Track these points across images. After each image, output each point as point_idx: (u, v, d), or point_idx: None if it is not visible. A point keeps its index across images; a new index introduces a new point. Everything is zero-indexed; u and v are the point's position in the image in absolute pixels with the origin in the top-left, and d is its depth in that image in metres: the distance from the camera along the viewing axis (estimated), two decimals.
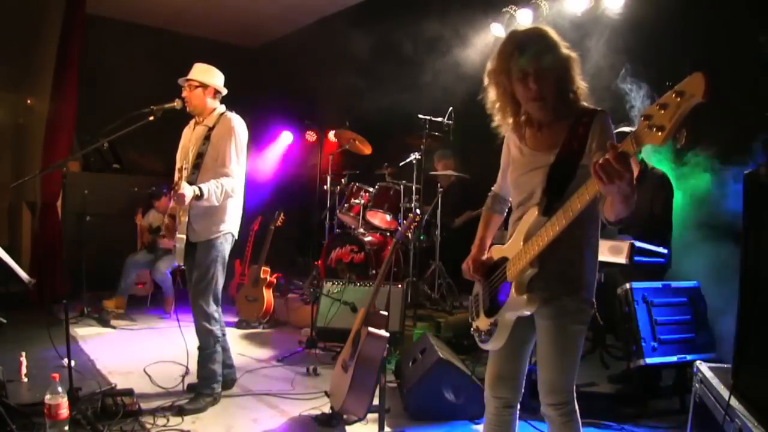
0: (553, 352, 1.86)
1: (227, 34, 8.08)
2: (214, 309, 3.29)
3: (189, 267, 3.32)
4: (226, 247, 3.31)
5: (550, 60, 1.79)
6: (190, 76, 3.33)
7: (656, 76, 4.01)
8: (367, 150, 5.99)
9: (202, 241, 3.26)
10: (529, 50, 1.79)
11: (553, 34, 1.85)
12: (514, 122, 1.95)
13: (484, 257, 2.08)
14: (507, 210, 2.23)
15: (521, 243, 1.83)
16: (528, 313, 1.83)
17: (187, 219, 3.21)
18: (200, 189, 3.03)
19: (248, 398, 3.49)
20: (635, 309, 3.22)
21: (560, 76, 1.82)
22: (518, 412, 2.08)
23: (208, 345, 3.28)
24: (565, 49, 1.84)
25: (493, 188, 2.24)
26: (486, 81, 1.94)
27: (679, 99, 1.29)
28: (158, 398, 3.35)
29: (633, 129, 3.88)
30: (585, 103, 1.87)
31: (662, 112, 1.32)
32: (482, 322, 2.01)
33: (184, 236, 3.21)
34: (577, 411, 1.88)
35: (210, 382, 3.28)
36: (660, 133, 1.33)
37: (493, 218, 2.20)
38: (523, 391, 2.05)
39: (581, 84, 1.87)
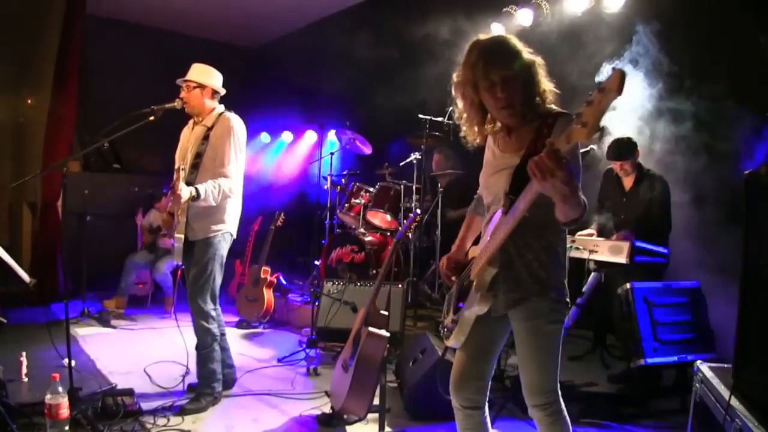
0: (531, 353, 1.86)
1: (227, 34, 8.08)
2: (211, 307, 3.29)
3: (187, 266, 3.32)
4: (224, 246, 3.31)
5: (515, 67, 1.78)
6: (188, 76, 3.34)
7: (655, 75, 4.02)
8: (367, 150, 6.00)
9: (200, 240, 3.26)
10: (493, 59, 1.78)
11: (515, 40, 1.85)
12: (480, 130, 1.96)
13: (460, 256, 2.11)
14: None
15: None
16: (482, 312, 1.84)
17: (185, 218, 3.22)
18: (197, 189, 3.03)
19: (248, 398, 3.49)
20: (636, 309, 3.23)
21: (526, 82, 1.82)
22: (487, 413, 2.07)
23: (206, 344, 3.27)
24: (528, 54, 1.83)
25: (478, 191, 2.25)
26: (453, 92, 1.94)
27: (600, 95, 1.33)
28: (158, 398, 3.34)
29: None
30: (553, 106, 1.86)
31: (588, 108, 1.36)
32: (448, 319, 2.04)
33: (183, 235, 3.22)
34: (564, 410, 1.89)
35: (210, 381, 3.28)
36: (584, 129, 1.37)
37: (475, 220, 2.21)
38: (488, 393, 2.04)
39: (548, 87, 1.86)
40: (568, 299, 1.90)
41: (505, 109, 1.82)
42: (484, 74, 1.79)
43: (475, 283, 1.86)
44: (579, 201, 1.58)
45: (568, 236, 3.85)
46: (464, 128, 1.98)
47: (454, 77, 1.91)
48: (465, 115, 1.94)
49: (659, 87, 3.99)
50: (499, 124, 1.96)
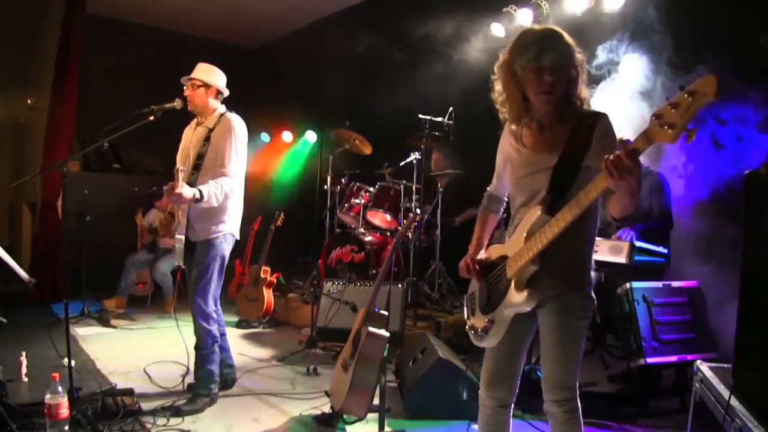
0: (559, 348, 1.87)
1: (227, 34, 8.08)
2: (213, 308, 3.28)
3: (189, 266, 3.32)
4: (225, 247, 3.31)
5: (567, 59, 1.83)
6: (194, 75, 3.33)
7: (655, 76, 4.01)
8: (367, 150, 5.99)
9: (201, 241, 3.25)
10: (549, 45, 1.82)
11: (569, 37, 1.88)
12: (515, 116, 1.97)
13: (482, 256, 2.10)
14: (504, 209, 2.26)
15: (522, 241, 1.85)
16: (527, 309, 1.84)
17: (186, 219, 3.21)
18: (200, 191, 3.02)
19: (248, 398, 3.49)
20: (635, 309, 3.22)
21: (571, 79, 1.86)
22: (512, 411, 2.08)
23: (206, 345, 3.26)
24: (578, 54, 1.87)
25: (488, 188, 2.26)
26: (496, 72, 1.96)
27: (690, 99, 1.36)
28: (158, 398, 3.34)
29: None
30: (586, 108, 1.91)
31: (673, 111, 1.39)
32: (478, 320, 2.03)
33: (183, 236, 3.21)
34: (580, 408, 1.90)
35: (207, 383, 3.27)
36: (671, 131, 1.39)
37: (489, 218, 2.22)
38: (517, 391, 2.06)
39: (585, 90, 1.91)
40: (594, 295, 1.92)
41: (546, 94, 1.84)
42: (536, 57, 1.82)
43: (514, 282, 1.86)
44: (639, 196, 1.63)
45: None
46: (502, 109, 2.00)
47: (502, 57, 1.94)
48: (504, 96, 1.96)
49: (659, 78, 3.99)
50: (526, 119, 1.97)
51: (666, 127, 1.40)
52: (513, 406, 2.08)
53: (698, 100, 1.35)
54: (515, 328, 1.94)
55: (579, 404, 1.90)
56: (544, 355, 1.91)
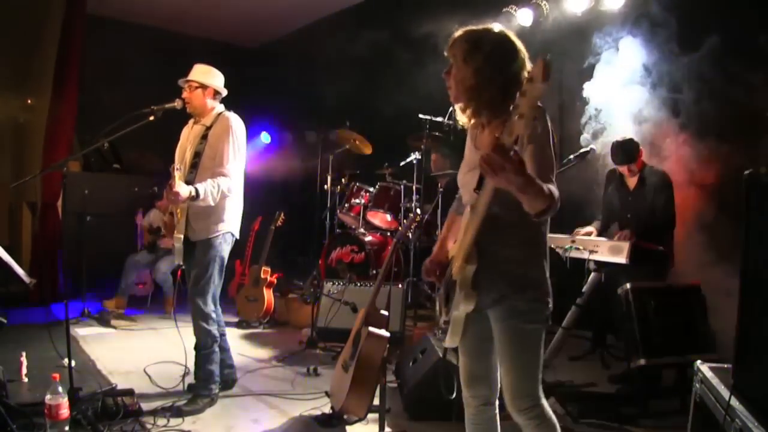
0: (511, 354, 1.82)
1: (227, 34, 8.08)
2: (212, 308, 3.27)
3: (188, 266, 3.32)
4: (225, 247, 3.30)
5: (464, 56, 1.86)
6: (190, 77, 3.33)
7: (655, 76, 4.02)
8: (367, 150, 5.99)
9: (201, 240, 3.25)
10: (452, 46, 1.91)
11: (487, 32, 1.88)
12: (467, 116, 2.00)
13: (443, 257, 2.09)
14: None
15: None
16: (469, 309, 1.83)
17: (185, 218, 3.21)
18: (196, 189, 3.02)
19: (248, 398, 3.49)
20: (635, 309, 3.22)
21: (490, 74, 1.81)
22: (497, 410, 2.05)
23: (206, 345, 3.26)
24: (498, 46, 1.83)
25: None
26: None
27: (531, 85, 1.36)
28: (158, 398, 3.34)
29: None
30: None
31: (522, 99, 1.38)
32: (442, 320, 2.04)
33: (182, 235, 3.21)
34: (549, 413, 1.83)
35: (207, 383, 3.27)
36: (521, 120, 1.39)
37: (456, 219, 2.19)
38: (498, 388, 2.02)
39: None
40: (549, 298, 1.84)
41: (451, 95, 1.89)
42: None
43: (458, 283, 1.85)
44: (540, 191, 1.56)
45: (567, 236, 3.86)
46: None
47: None
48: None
49: (659, 63, 3.98)
50: (474, 120, 1.98)
51: (518, 117, 1.38)
52: (497, 404, 2.03)
53: (533, 87, 1.33)
54: (475, 328, 1.92)
55: (547, 410, 1.83)
56: (500, 362, 1.86)
